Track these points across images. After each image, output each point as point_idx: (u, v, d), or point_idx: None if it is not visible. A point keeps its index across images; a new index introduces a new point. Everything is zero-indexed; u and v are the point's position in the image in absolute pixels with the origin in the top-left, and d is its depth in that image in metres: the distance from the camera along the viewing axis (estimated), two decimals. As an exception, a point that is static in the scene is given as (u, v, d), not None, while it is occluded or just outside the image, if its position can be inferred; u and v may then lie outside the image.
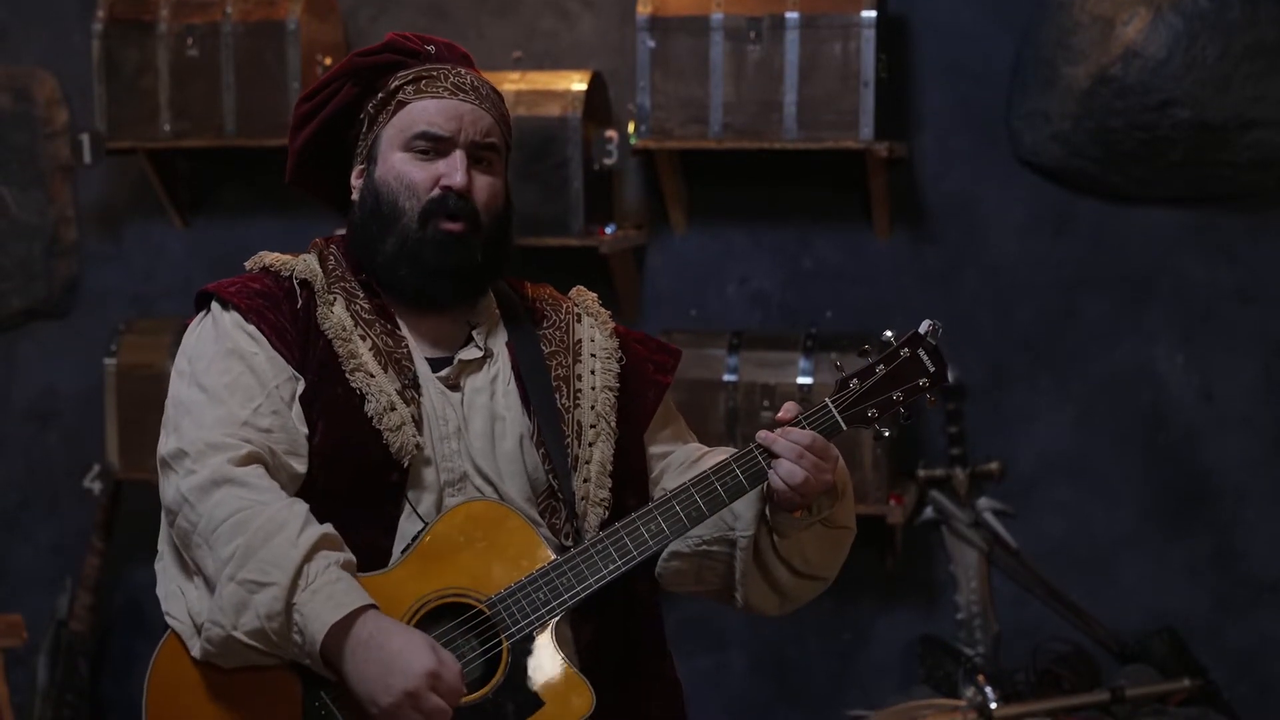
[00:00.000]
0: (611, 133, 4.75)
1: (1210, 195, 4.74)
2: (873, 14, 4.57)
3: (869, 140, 4.59)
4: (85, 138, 5.05)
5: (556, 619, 2.31)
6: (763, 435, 2.38)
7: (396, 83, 2.45)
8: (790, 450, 2.35)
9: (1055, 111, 4.68)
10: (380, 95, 2.46)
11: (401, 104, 2.44)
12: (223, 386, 2.38)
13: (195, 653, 2.30)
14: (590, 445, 2.43)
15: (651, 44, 4.66)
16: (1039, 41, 4.71)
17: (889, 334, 2.46)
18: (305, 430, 2.36)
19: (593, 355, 2.50)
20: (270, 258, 2.50)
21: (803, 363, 4.65)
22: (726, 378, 4.68)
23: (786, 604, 2.49)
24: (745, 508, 2.41)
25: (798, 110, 4.59)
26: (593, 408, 2.45)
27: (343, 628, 2.19)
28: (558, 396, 2.44)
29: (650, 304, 5.00)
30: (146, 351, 5.05)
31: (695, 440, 2.61)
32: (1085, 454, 4.84)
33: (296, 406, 2.38)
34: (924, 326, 2.45)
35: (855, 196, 4.89)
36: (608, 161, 4.73)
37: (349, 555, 2.26)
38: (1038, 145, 4.76)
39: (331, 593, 2.20)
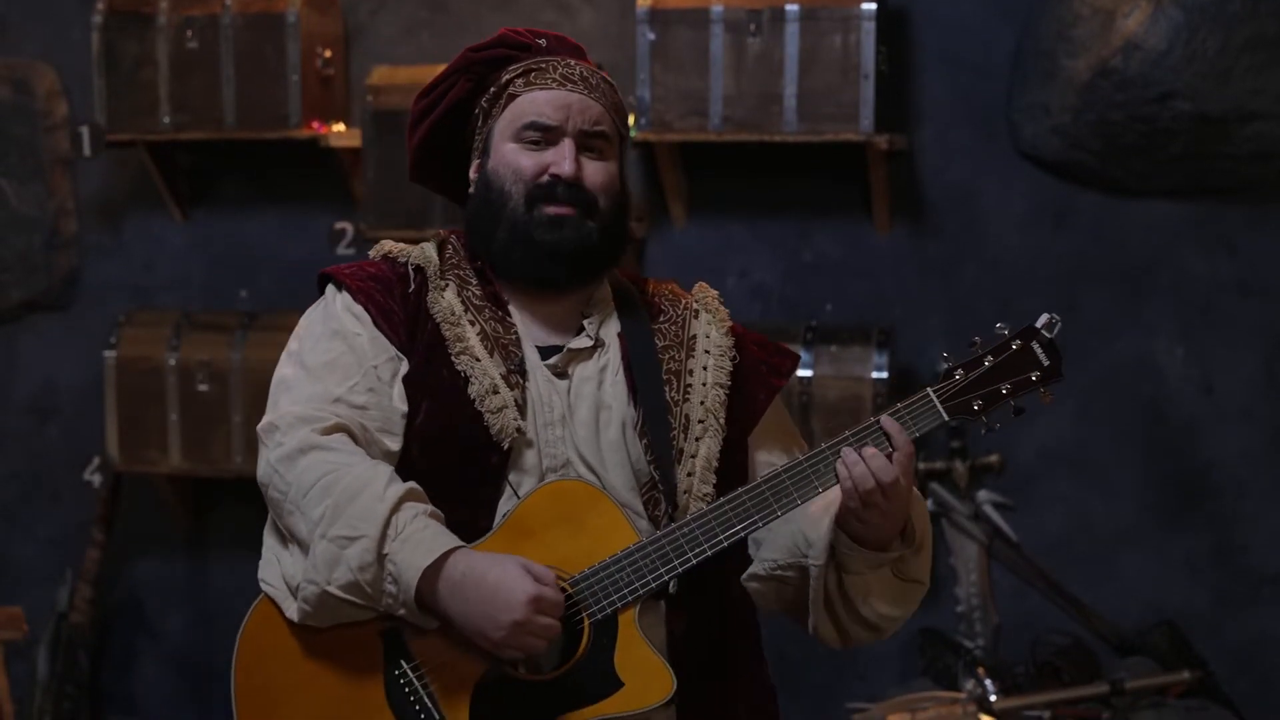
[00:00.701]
0: (611, 125, 4.74)
1: (1210, 188, 4.74)
2: (873, 6, 4.57)
3: (869, 133, 4.58)
4: (85, 130, 5.05)
5: (640, 601, 2.32)
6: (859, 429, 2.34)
7: (507, 76, 2.48)
8: (858, 478, 2.28)
9: (1055, 104, 4.68)
10: (492, 89, 2.49)
11: (512, 96, 2.47)
12: (322, 365, 2.42)
13: (292, 614, 2.33)
14: (697, 440, 2.42)
15: (651, 36, 4.65)
16: (1039, 34, 4.70)
17: (1002, 326, 2.42)
18: (403, 409, 2.40)
19: (706, 352, 2.48)
20: (390, 245, 2.53)
21: (803, 356, 4.65)
22: (727, 370, 4.67)
23: (848, 642, 2.45)
24: (819, 535, 2.36)
25: (798, 103, 4.58)
26: (702, 403, 2.44)
27: (435, 571, 2.24)
28: (667, 389, 2.44)
29: (650, 297, 5.00)
30: (146, 344, 5.05)
31: (804, 451, 2.53)
32: (1085, 447, 4.84)
33: (398, 386, 2.41)
34: (1041, 320, 2.42)
35: (855, 189, 4.89)
36: (608, 154, 4.73)
37: (435, 509, 2.31)
38: (1038, 138, 4.75)
39: (420, 539, 2.24)
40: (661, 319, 2.50)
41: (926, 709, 4.44)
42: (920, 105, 4.88)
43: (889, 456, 2.30)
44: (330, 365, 2.42)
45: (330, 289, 2.50)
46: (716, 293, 2.56)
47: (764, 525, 2.34)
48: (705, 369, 2.46)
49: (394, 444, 2.39)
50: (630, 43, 4.76)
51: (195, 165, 5.26)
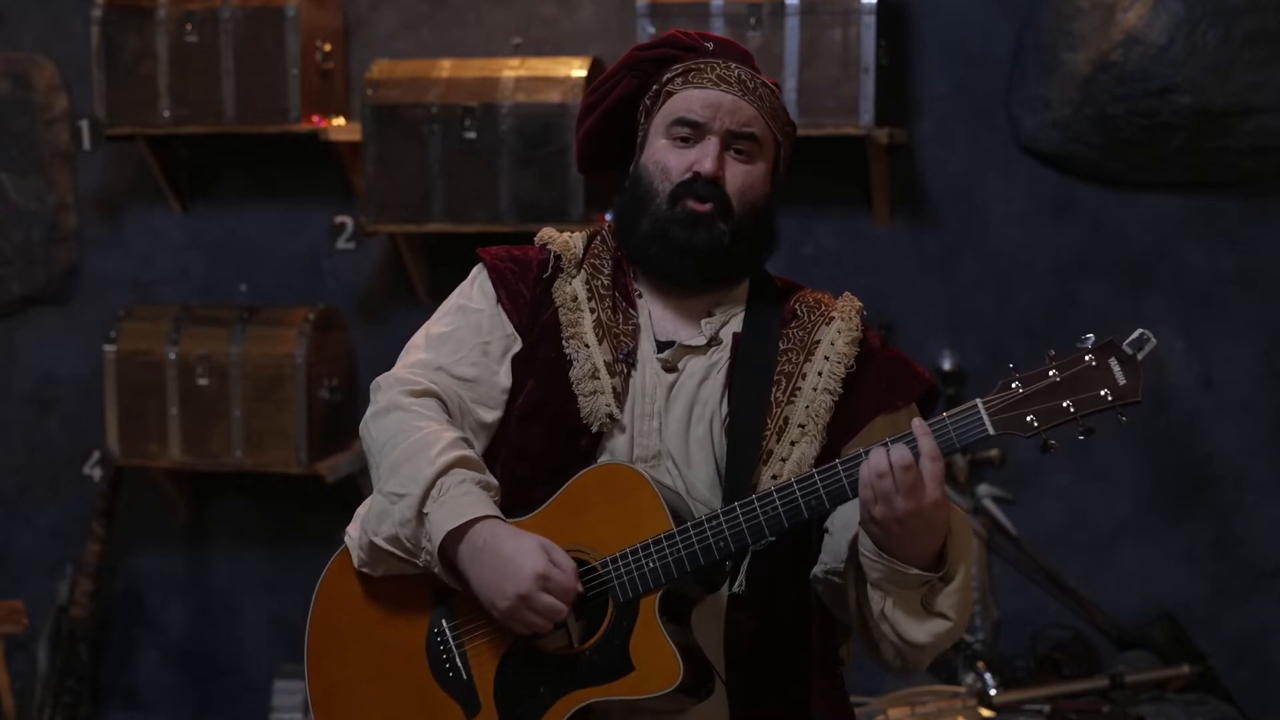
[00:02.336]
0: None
1: (1210, 181, 4.74)
2: (873, 0, 4.57)
3: (869, 126, 4.59)
4: (85, 124, 5.05)
5: (662, 589, 2.33)
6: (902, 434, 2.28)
7: (668, 75, 2.52)
8: (874, 465, 2.23)
9: (1056, 97, 4.68)
10: (654, 88, 2.54)
11: (669, 94, 2.51)
12: (439, 335, 2.55)
13: (354, 560, 2.46)
14: (793, 444, 2.42)
15: (651, 30, 4.65)
16: (1039, 27, 4.70)
17: (1089, 338, 2.30)
18: (506, 384, 2.50)
19: (825, 358, 2.47)
20: (545, 233, 2.61)
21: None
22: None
23: (883, 660, 2.40)
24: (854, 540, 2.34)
25: (798, 96, 4.59)
26: (807, 408, 2.43)
27: (460, 534, 2.33)
28: (775, 390, 2.44)
29: (650, 290, 5.00)
30: (146, 338, 5.05)
31: None
32: (1085, 441, 4.82)
33: (506, 363, 2.52)
34: (1133, 335, 2.28)
35: (856, 183, 4.89)
36: (608, 148, 4.73)
37: (489, 478, 2.40)
38: (1038, 131, 4.75)
39: (457, 504, 2.34)
40: (793, 323, 2.51)
41: (926, 703, 4.44)
42: (920, 99, 4.88)
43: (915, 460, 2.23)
44: (446, 337, 2.53)
45: (476, 268, 2.60)
46: (860, 305, 2.53)
47: (790, 527, 2.31)
48: (820, 374, 2.45)
49: (489, 416, 2.50)
50: (630, 36, 4.76)
51: (195, 159, 5.26)
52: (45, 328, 5.40)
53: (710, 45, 2.55)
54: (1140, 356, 2.26)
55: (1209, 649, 4.72)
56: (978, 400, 2.27)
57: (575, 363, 2.46)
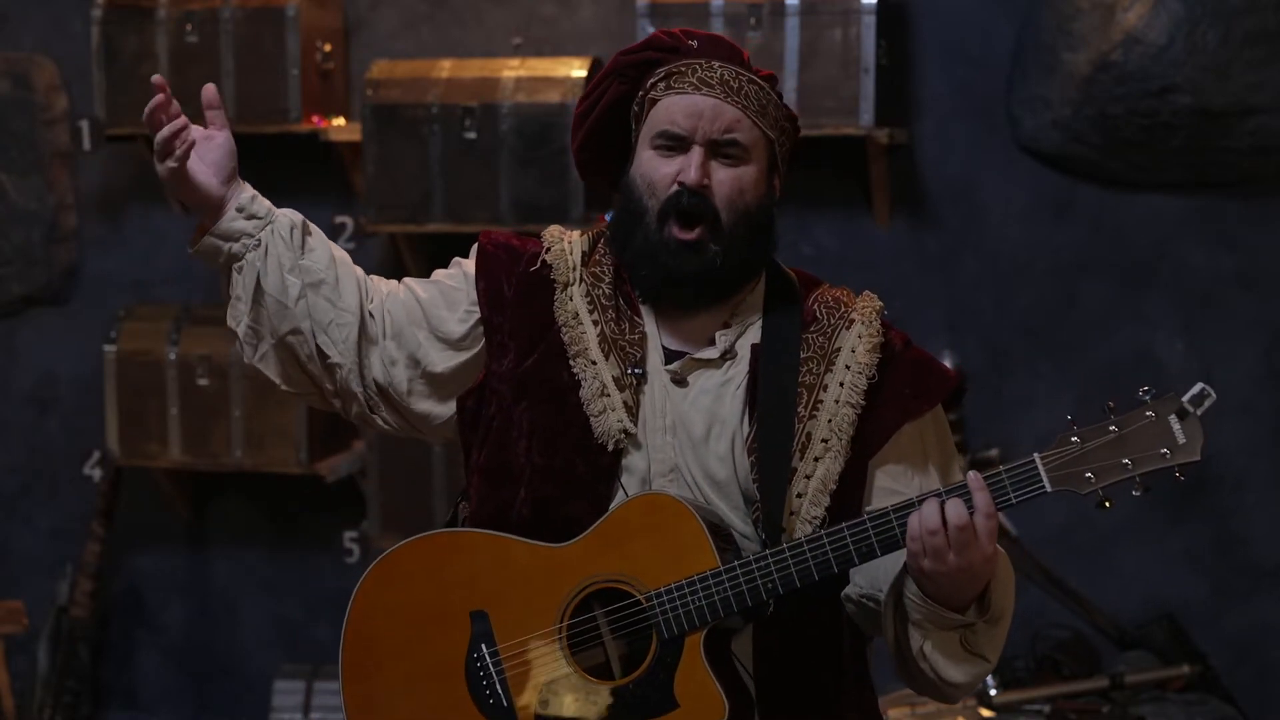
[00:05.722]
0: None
1: (1211, 181, 4.74)
2: (873, 0, 4.57)
3: (869, 126, 4.59)
4: (85, 124, 5.05)
5: (707, 628, 2.31)
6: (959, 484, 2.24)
7: (652, 80, 2.45)
8: (927, 521, 2.20)
9: (1056, 98, 4.68)
10: (641, 93, 2.48)
11: (654, 102, 2.44)
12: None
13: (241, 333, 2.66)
14: (816, 460, 2.37)
15: (651, 30, 4.64)
16: (1039, 27, 4.70)
17: (1147, 390, 2.25)
18: (458, 331, 2.51)
19: (846, 367, 2.40)
20: (551, 232, 2.56)
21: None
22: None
23: (916, 687, 2.40)
24: (894, 569, 2.31)
25: (798, 96, 4.58)
26: (829, 422, 2.38)
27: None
28: (797, 404, 2.39)
29: (650, 290, 5.00)
30: (146, 338, 5.05)
31: (941, 473, 2.44)
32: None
33: (462, 319, 2.51)
34: (1193, 390, 2.23)
35: (855, 183, 4.89)
36: (608, 148, 4.73)
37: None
38: (1038, 131, 4.75)
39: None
40: (813, 328, 2.45)
41: (926, 703, 4.44)
42: (920, 99, 4.88)
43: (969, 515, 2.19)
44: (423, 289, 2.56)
45: (473, 248, 2.57)
46: (880, 305, 2.48)
47: (839, 572, 2.29)
48: (841, 385, 2.39)
49: (434, 348, 2.52)
50: (630, 36, 4.76)
51: (195, 159, 5.25)
52: (45, 328, 5.40)
53: (694, 43, 2.47)
54: (1199, 413, 2.22)
55: (1209, 649, 4.71)
56: (1035, 455, 2.23)
57: (584, 382, 2.42)
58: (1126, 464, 2.22)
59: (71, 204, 5.35)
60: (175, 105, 2.39)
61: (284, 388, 2.58)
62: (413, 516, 4.69)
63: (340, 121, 5.03)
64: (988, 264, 4.87)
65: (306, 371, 2.54)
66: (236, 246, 2.50)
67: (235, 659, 5.34)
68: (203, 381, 4.99)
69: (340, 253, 2.54)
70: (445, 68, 4.87)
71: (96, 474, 5.26)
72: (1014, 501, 2.24)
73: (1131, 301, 4.80)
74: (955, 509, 2.20)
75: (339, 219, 5.18)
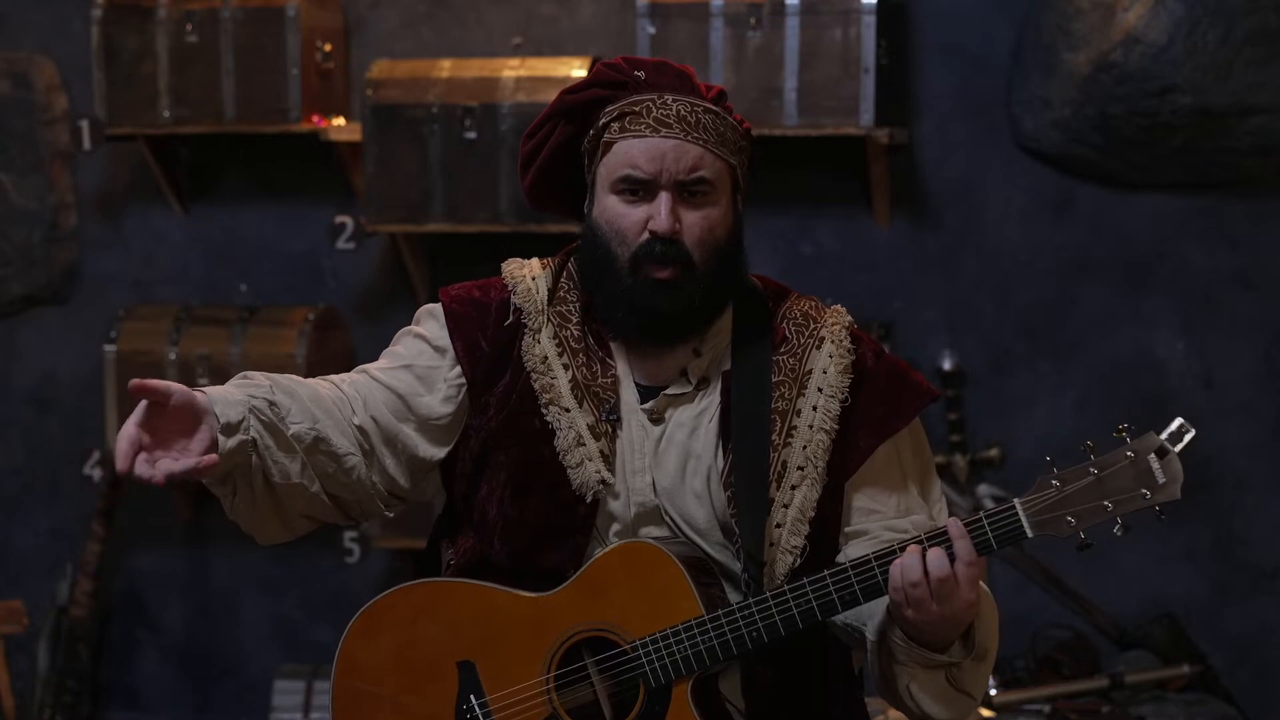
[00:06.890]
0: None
1: (1211, 181, 4.74)
2: (873, 0, 4.57)
3: (869, 126, 4.59)
4: (85, 124, 5.05)
5: (695, 676, 2.31)
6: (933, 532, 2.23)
7: (604, 120, 2.38)
8: (908, 573, 2.19)
9: (1056, 97, 4.68)
10: (591, 132, 2.40)
11: (608, 145, 2.37)
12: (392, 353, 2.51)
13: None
14: (793, 489, 2.34)
15: (651, 30, 4.65)
16: (1040, 27, 4.70)
17: (1125, 428, 2.24)
18: (442, 411, 2.43)
19: (819, 390, 2.36)
20: (509, 270, 2.48)
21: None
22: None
23: (904, 713, 2.41)
24: (879, 611, 2.30)
25: (798, 96, 4.58)
26: (804, 449, 2.35)
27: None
28: (771, 432, 2.35)
29: (650, 290, 5.00)
30: (146, 338, 5.05)
31: (921, 501, 2.41)
32: (1085, 440, 4.82)
33: (446, 397, 2.43)
34: (1171, 426, 2.24)
35: (855, 183, 4.89)
36: (608, 148, 4.73)
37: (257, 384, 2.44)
38: (1038, 131, 4.75)
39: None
40: (783, 349, 2.40)
41: (926, 702, 4.44)
42: (920, 99, 4.88)
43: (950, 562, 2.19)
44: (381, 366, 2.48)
45: (432, 307, 2.49)
46: (850, 321, 2.43)
47: (823, 619, 2.29)
48: (814, 410, 2.36)
49: (412, 431, 2.43)
50: (630, 36, 4.76)
51: (195, 159, 5.26)
52: (45, 328, 5.40)
53: (641, 74, 2.38)
54: (1178, 449, 2.24)
55: (1209, 649, 4.71)
56: (1016, 501, 2.22)
57: (559, 432, 2.36)
58: (1107, 506, 2.23)
59: (71, 204, 5.35)
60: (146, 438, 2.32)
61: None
62: (412, 517, 4.68)
63: (340, 121, 5.03)
64: (988, 264, 4.87)
65: (322, 520, 2.51)
66: (241, 462, 2.45)
67: (235, 659, 5.34)
68: (203, 381, 4.99)
69: (299, 385, 2.43)
70: (445, 68, 4.87)
71: (96, 474, 5.26)
72: (995, 548, 2.24)
73: (1131, 301, 4.80)
74: (936, 559, 2.19)
75: (339, 219, 5.18)
